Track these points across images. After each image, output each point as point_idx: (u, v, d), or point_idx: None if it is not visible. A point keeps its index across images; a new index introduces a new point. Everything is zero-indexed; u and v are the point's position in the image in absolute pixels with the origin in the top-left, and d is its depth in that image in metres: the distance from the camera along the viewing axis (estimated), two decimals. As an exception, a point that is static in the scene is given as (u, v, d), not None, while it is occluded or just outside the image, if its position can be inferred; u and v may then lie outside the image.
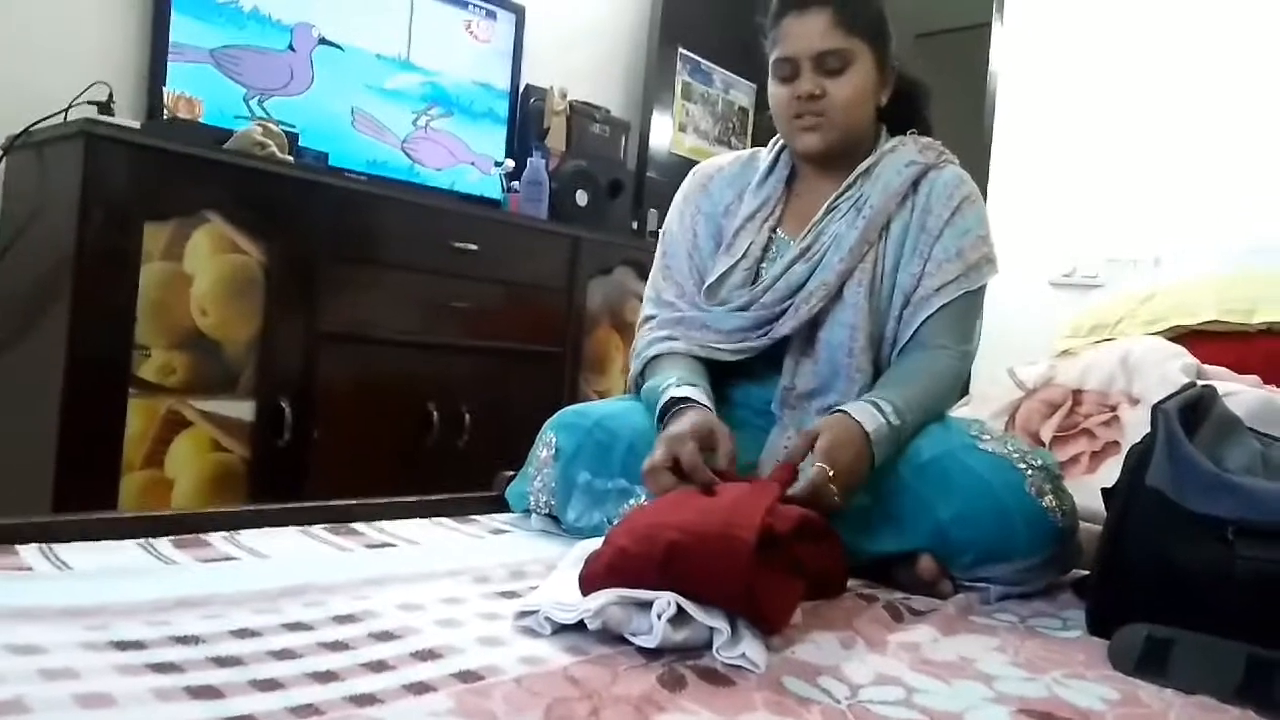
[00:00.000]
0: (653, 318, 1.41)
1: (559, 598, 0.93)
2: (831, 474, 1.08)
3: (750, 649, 0.86)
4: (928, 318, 1.30)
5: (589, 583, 0.93)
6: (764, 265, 1.37)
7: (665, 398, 1.24)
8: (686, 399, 1.21)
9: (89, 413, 1.87)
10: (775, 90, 1.36)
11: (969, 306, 1.32)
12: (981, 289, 1.33)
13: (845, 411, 1.17)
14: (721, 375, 1.37)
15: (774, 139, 1.47)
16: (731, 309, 1.34)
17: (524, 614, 0.93)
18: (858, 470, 1.13)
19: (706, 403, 1.22)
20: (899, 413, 1.18)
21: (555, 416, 1.40)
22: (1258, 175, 2.48)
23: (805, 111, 1.32)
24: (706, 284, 1.38)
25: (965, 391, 2.70)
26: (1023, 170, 2.95)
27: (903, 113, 1.42)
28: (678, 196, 1.50)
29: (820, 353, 1.32)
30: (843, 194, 1.35)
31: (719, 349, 1.34)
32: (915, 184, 1.34)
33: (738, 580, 0.88)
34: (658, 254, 1.48)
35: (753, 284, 1.35)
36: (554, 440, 1.35)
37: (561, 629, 0.90)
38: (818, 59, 1.30)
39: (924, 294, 1.31)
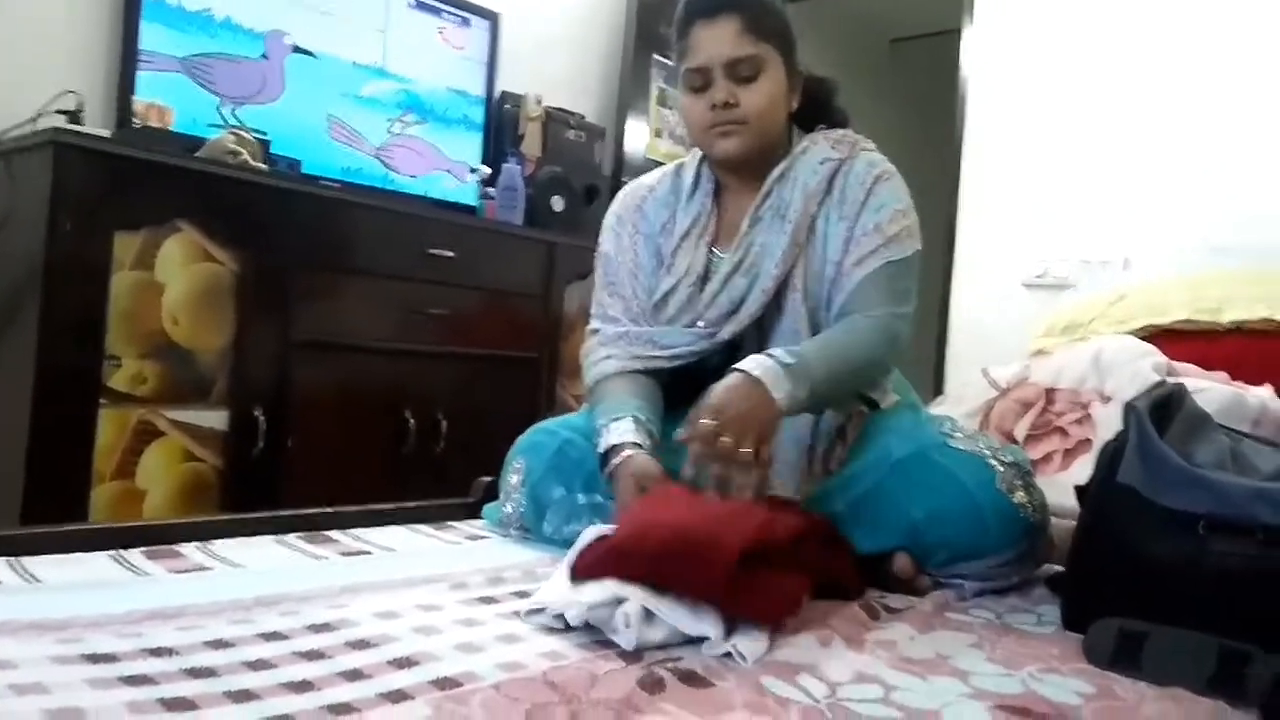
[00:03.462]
0: (598, 331, 1.42)
1: (563, 593, 0.95)
2: (718, 423, 1.07)
3: (743, 643, 0.88)
4: (851, 290, 1.29)
5: (582, 572, 0.96)
6: (707, 282, 1.37)
7: (601, 445, 1.25)
8: (617, 447, 1.22)
9: (58, 423, 1.85)
10: (688, 100, 1.34)
11: (893, 274, 1.29)
12: (907, 259, 1.31)
13: (733, 369, 1.16)
14: (687, 393, 1.38)
15: (694, 149, 1.44)
16: (679, 326, 1.35)
17: (534, 611, 0.95)
18: (755, 414, 1.11)
19: (636, 438, 1.22)
20: (793, 354, 1.17)
21: (523, 437, 1.41)
22: (1225, 177, 2.51)
23: (721, 120, 1.30)
24: (653, 302, 1.38)
25: (939, 389, 2.72)
26: (994, 173, 2.98)
27: (813, 111, 1.41)
28: (609, 219, 1.48)
29: None
30: (763, 202, 1.35)
31: (657, 358, 1.34)
32: (831, 180, 1.34)
33: (718, 583, 0.90)
34: (598, 273, 1.47)
35: (696, 300, 1.36)
36: (522, 465, 1.36)
37: (552, 630, 0.92)
38: (730, 66, 1.29)
39: (846, 270, 1.30)
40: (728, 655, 0.88)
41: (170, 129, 2.25)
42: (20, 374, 1.84)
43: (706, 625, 0.90)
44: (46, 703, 0.66)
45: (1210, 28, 2.57)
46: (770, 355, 1.17)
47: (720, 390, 1.13)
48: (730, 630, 0.91)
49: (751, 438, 1.09)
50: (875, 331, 1.27)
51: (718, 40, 1.29)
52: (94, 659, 0.75)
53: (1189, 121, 2.58)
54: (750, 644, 0.89)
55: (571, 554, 1.02)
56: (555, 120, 3.13)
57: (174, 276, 2.00)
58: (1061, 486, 1.32)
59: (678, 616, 0.90)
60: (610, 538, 0.99)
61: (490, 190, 2.86)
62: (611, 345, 1.38)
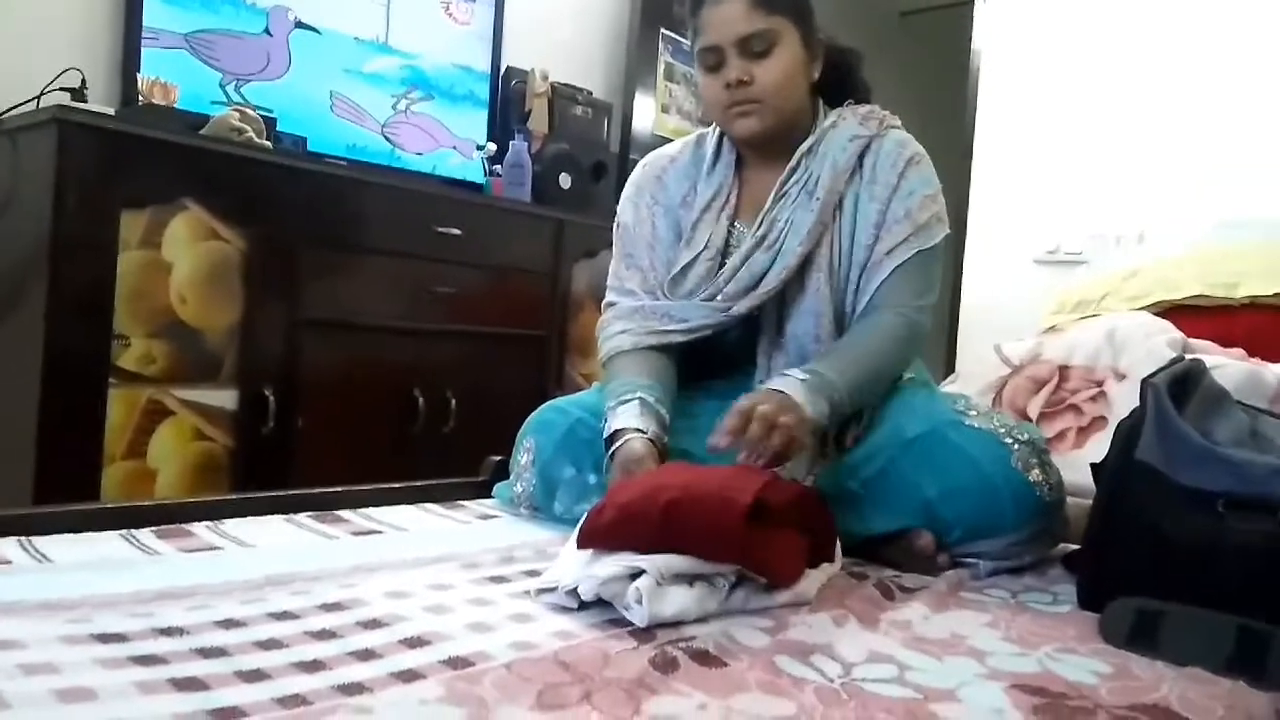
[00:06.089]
0: (614, 304, 1.41)
1: (575, 569, 0.95)
2: (760, 423, 1.06)
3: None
4: (883, 281, 1.29)
5: (590, 537, 0.96)
6: (727, 257, 1.35)
7: (606, 429, 1.24)
8: (621, 432, 1.21)
9: (68, 404, 1.85)
10: (704, 80, 1.33)
11: (922, 264, 1.30)
12: (935, 247, 1.31)
13: (762, 387, 1.17)
14: (704, 368, 1.37)
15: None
16: (697, 300, 1.33)
17: (545, 590, 0.94)
18: (794, 414, 1.11)
19: (639, 424, 1.21)
20: (814, 373, 1.17)
21: (534, 416, 1.40)
22: (1239, 150, 2.48)
23: (738, 100, 1.29)
24: (670, 276, 1.37)
25: (951, 367, 2.71)
26: (1006, 148, 2.95)
27: (837, 82, 1.39)
28: (629, 189, 1.47)
29: (789, 345, 1.33)
30: (790, 177, 1.33)
31: (672, 332, 1.33)
32: (860, 157, 1.32)
33: (733, 536, 0.92)
34: (616, 244, 1.45)
35: (716, 274, 1.34)
36: (532, 444, 1.35)
37: (563, 609, 0.92)
38: (741, 44, 1.27)
39: (876, 259, 1.29)
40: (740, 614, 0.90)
41: (175, 106, 2.23)
42: (29, 354, 1.83)
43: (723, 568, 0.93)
44: (56, 683, 0.66)
45: (1224, 1, 2.53)
46: (792, 375, 1.17)
47: (750, 398, 1.12)
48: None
49: (781, 436, 1.08)
50: (899, 331, 1.27)
51: (727, 17, 1.27)
52: (104, 639, 0.75)
53: (1203, 95, 2.55)
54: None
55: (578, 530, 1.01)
56: (562, 96, 3.10)
57: (181, 255, 1.99)
58: (1077, 464, 1.31)
59: (692, 564, 0.92)
60: (616, 501, 0.98)
61: (497, 167, 2.84)
62: (627, 319, 1.36)
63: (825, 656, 0.84)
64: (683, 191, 1.41)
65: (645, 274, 1.40)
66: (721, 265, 1.34)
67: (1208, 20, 2.54)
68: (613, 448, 1.21)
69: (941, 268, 1.34)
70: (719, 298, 1.32)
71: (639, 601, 0.87)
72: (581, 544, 0.97)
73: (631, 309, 1.37)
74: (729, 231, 1.36)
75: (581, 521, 1.00)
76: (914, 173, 1.31)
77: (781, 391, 1.14)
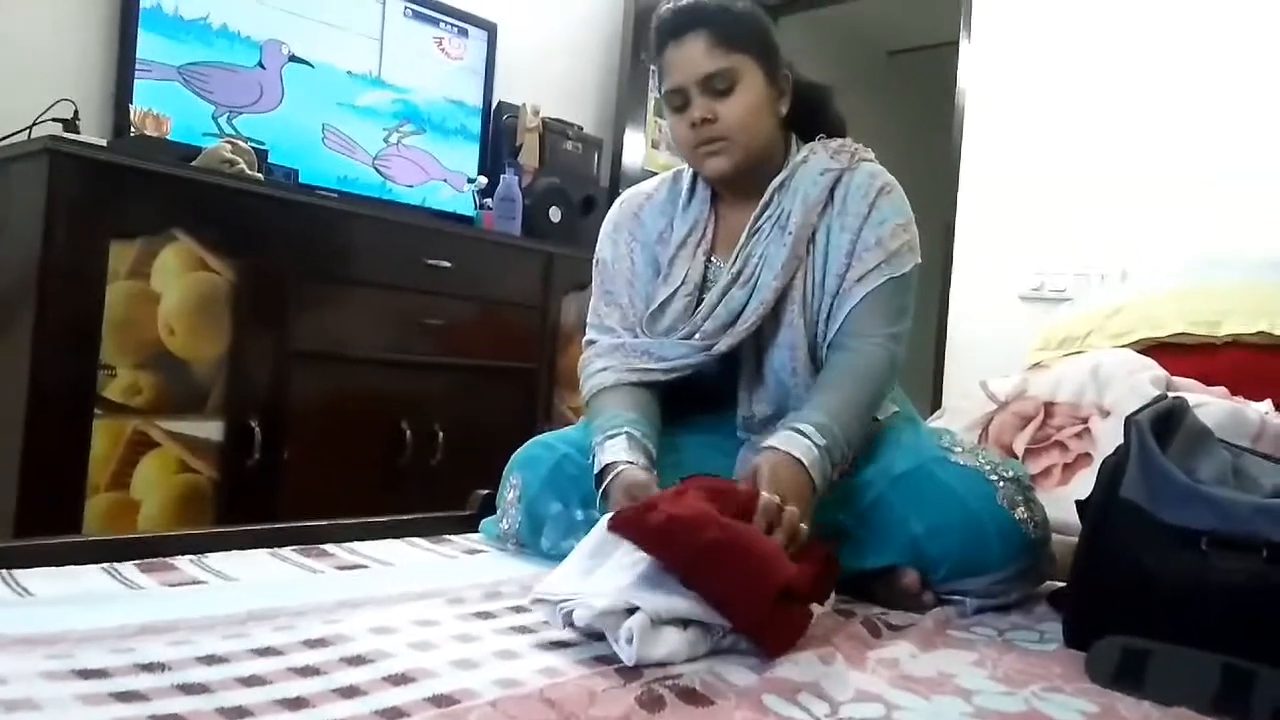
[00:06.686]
0: (594, 342, 1.41)
1: (575, 588, 0.94)
2: (779, 499, 1.05)
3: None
4: (853, 308, 1.28)
5: (626, 527, 0.95)
6: (705, 293, 1.35)
7: (596, 464, 1.23)
8: (612, 465, 1.20)
9: (53, 434, 1.84)
10: (672, 122, 1.34)
11: (894, 291, 1.29)
12: (906, 275, 1.30)
13: (774, 446, 1.14)
14: (685, 405, 1.37)
15: None
16: (676, 339, 1.33)
17: (540, 600, 0.94)
18: (803, 493, 1.11)
19: (629, 456, 1.20)
20: (822, 429, 1.15)
21: (520, 451, 1.39)
22: (1223, 190, 2.51)
23: (704, 139, 1.30)
24: (649, 312, 1.37)
25: (937, 402, 2.72)
26: (991, 186, 2.98)
27: (809, 116, 1.40)
28: (607, 225, 1.47)
29: (768, 379, 1.33)
30: (762, 213, 1.34)
31: (652, 370, 1.33)
32: (832, 190, 1.33)
33: (761, 608, 0.91)
34: (595, 281, 1.46)
35: (694, 311, 1.34)
36: (519, 480, 1.35)
37: (550, 646, 0.91)
38: (704, 83, 1.28)
39: (847, 286, 1.29)
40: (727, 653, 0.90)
41: (167, 138, 2.24)
42: (14, 384, 1.82)
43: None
44: (36, 719, 0.65)
45: (1204, 40, 2.58)
46: (803, 434, 1.15)
47: (771, 466, 1.11)
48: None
49: (806, 515, 1.07)
50: (881, 367, 1.27)
51: (689, 58, 1.29)
52: (85, 674, 0.74)
53: (1185, 133, 2.59)
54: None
55: (596, 532, 1.01)
56: (553, 131, 3.13)
57: (170, 286, 1.99)
58: (1062, 501, 1.32)
59: (694, 608, 0.91)
60: (668, 509, 0.96)
61: (487, 201, 2.86)
62: (608, 357, 1.36)
63: (813, 695, 0.83)
64: (659, 227, 1.41)
65: (625, 311, 1.40)
66: (699, 301, 1.35)
67: (1190, 60, 2.59)
68: (606, 480, 1.20)
69: (914, 298, 1.33)
70: (697, 335, 1.32)
71: (629, 641, 0.87)
72: (614, 528, 0.96)
73: (612, 346, 1.37)
74: (706, 267, 1.37)
75: (621, 509, 0.99)
76: (885, 202, 1.32)
77: (798, 460, 1.12)
